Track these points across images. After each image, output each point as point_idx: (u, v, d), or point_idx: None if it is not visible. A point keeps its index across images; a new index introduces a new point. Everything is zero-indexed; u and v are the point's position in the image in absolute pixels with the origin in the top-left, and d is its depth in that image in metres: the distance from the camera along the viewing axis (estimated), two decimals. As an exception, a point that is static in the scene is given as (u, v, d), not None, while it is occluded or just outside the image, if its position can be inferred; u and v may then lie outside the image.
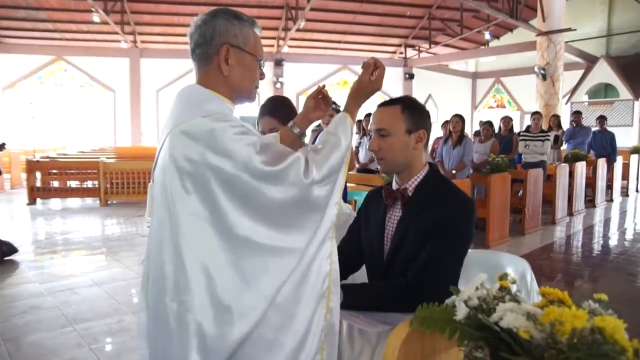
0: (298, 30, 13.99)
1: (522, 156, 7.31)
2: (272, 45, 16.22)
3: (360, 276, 1.85)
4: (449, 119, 6.56)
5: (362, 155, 6.90)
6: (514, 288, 1.75)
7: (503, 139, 7.26)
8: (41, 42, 15.38)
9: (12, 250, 5.26)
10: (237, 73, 1.39)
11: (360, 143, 6.98)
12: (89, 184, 9.97)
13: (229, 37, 1.36)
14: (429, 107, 18.31)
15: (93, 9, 11.69)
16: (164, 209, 1.28)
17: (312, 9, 13.48)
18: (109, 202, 9.12)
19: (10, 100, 15.39)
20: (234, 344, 1.26)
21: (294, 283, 1.31)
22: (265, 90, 16.30)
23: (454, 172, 6.10)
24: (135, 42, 15.45)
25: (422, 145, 1.64)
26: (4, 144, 5.58)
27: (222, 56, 1.36)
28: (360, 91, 1.49)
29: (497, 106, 19.81)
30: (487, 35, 15.49)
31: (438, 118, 16.42)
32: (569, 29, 12.00)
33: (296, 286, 1.31)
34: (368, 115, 6.78)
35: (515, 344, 0.86)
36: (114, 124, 16.17)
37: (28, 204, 8.92)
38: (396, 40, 16.82)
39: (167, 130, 1.32)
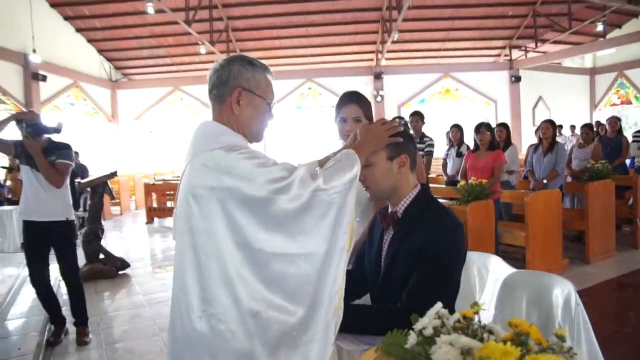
0: (395, 42, 13.94)
1: (635, 159, 6.54)
2: (372, 60, 16.34)
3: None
4: (564, 121, 6.06)
5: (450, 167, 6.57)
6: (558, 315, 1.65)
7: (610, 142, 6.58)
8: (161, 75, 16.97)
9: (125, 265, 5.86)
10: (247, 113, 1.54)
11: (447, 155, 6.65)
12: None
13: (242, 81, 1.53)
14: (539, 110, 17.24)
15: (200, 42, 12.62)
16: (187, 234, 1.42)
17: (408, 20, 13.37)
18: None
19: (137, 129, 17.11)
20: (264, 346, 1.37)
21: (313, 285, 1.42)
22: (365, 104, 16.42)
23: (545, 181, 5.61)
24: (241, 68, 16.41)
25: (407, 169, 1.68)
26: (115, 172, 6.18)
27: (234, 97, 1.52)
28: (373, 143, 1.62)
29: (622, 103, 17.97)
30: (599, 27, 14.17)
31: (551, 120, 15.33)
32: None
33: (315, 289, 1.42)
34: (455, 126, 6.47)
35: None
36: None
37: (146, 223, 9.85)
38: (500, 43, 16.06)
39: (187, 160, 1.48)
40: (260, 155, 1.44)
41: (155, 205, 10.33)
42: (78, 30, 14.38)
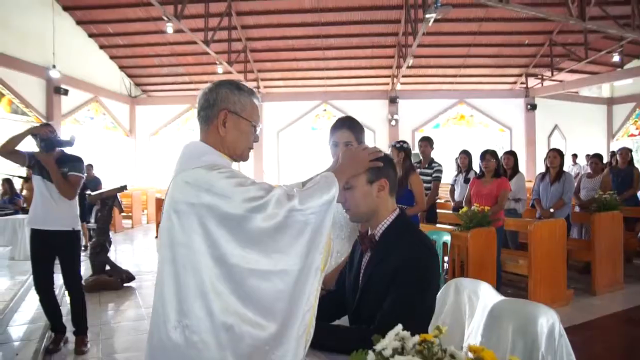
0: (411, 67, 14.07)
1: (646, 191, 6.47)
2: (387, 84, 16.47)
3: None
4: (580, 151, 6.02)
5: (458, 193, 6.52)
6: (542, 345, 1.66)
7: (620, 173, 6.50)
8: (179, 93, 17.30)
9: (130, 277, 5.93)
10: (232, 135, 1.60)
11: (455, 181, 6.63)
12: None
13: (229, 104, 1.59)
14: (555, 138, 17.15)
15: (217, 62, 12.89)
16: (167, 247, 1.48)
17: (424, 45, 13.51)
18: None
19: (153, 145, 17.40)
20: (238, 358, 1.41)
21: (286, 301, 1.45)
22: (380, 128, 16.52)
23: (551, 210, 5.54)
24: (258, 87, 16.67)
25: (386, 193, 1.72)
26: (125, 186, 6.29)
27: (221, 119, 1.58)
28: (353, 167, 1.67)
29: (640, 134, 17.79)
30: (615, 57, 14.13)
31: (566, 150, 15.22)
32: None
33: (288, 306, 1.46)
34: (463, 152, 6.45)
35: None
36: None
37: (156, 237, 9.95)
38: (516, 70, 16.10)
39: (172, 177, 1.55)
40: (240, 175, 1.50)
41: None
42: (101, 47, 14.80)
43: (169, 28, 10.00)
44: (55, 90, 12.51)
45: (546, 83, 16.33)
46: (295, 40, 14.40)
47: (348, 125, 2.35)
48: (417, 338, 1.15)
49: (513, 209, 5.71)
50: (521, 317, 2.16)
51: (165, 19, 9.64)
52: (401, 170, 4.36)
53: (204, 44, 11.46)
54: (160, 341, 1.45)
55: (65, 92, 12.82)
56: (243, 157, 1.68)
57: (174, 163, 1.61)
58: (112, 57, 15.41)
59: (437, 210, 5.97)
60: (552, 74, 15.43)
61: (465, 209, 4.60)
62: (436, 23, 12.07)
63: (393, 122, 16.49)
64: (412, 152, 4.68)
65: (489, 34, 13.88)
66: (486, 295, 2.57)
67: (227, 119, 1.58)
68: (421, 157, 5.81)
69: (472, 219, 4.40)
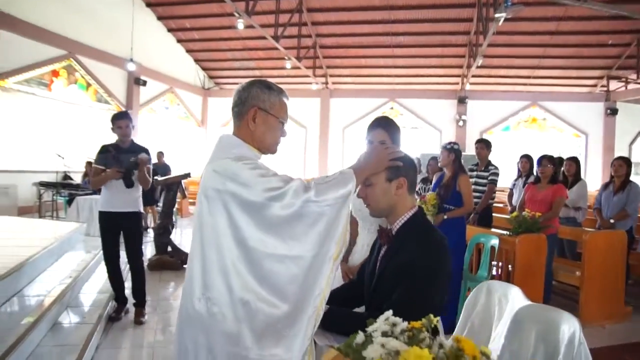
0: (482, 67, 13.70)
1: None
2: (457, 83, 16.15)
3: None
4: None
5: (516, 198, 6.28)
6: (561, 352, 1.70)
7: None
8: (250, 86, 17.84)
9: None
10: (261, 130, 1.75)
11: (514, 185, 6.41)
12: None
13: (259, 102, 1.74)
14: (638, 146, 15.96)
15: (286, 57, 13.20)
16: (198, 228, 1.66)
17: (497, 45, 13.13)
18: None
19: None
20: (251, 332, 1.57)
21: (299, 285, 1.60)
22: (447, 128, 16.25)
23: (612, 221, 5.26)
24: (326, 83, 16.89)
25: (404, 191, 1.80)
26: (189, 174, 6.63)
27: (250, 115, 1.73)
28: (373, 166, 1.77)
29: None
30: None
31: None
32: None
33: (301, 289, 1.60)
34: (524, 156, 6.23)
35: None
36: (304, 157, 17.74)
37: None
38: (596, 72, 15.21)
39: (206, 165, 1.71)
40: (263, 167, 1.64)
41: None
42: (179, 41, 15.59)
43: (240, 24, 10.38)
44: (135, 81, 13.38)
45: (630, 86, 15.31)
46: (364, 37, 14.45)
47: (383, 125, 2.44)
48: (405, 324, 1.24)
49: (572, 217, 5.51)
50: (544, 323, 2.18)
51: (237, 15, 10.03)
52: (450, 171, 4.36)
53: (273, 40, 11.80)
54: (187, 311, 1.64)
55: (144, 83, 13.67)
56: (271, 151, 1.81)
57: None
58: (188, 51, 16.20)
59: (493, 214, 5.87)
60: (639, 77, 14.44)
61: (515, 213, 4.52)
62: (510, 22, 11.72)
63: (461, 123, 16.15)
64: (465, 154, 4.64)
65: (567, 33, 13.22)
66: (515, 299, 2.59)
67: (256, 115, 1.73)
68: (478, 160, 5.73)
69: (521, 224, 4.32)
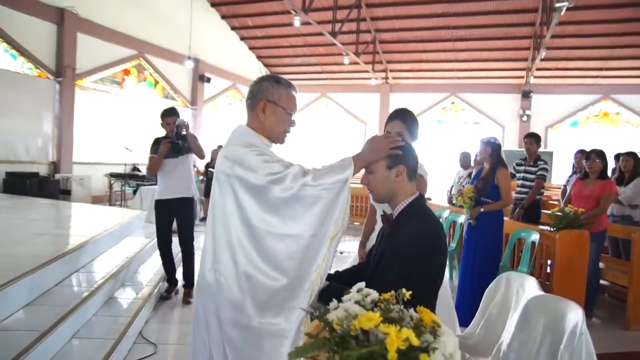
0: (548, 59, 13.17)
1: None
2: (521, 77, 15.60)
3: None
4: None
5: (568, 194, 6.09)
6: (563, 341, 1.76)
7: None
8: (310, 82, 18.17)
9: None
10: (270, 121, 1.92)
11: (568, 181, 6.18)
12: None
13: (268, 94, 1.91)
14: None
15: (344, 53, 13.33)
16: (211, 208, 1.87)
17: (563, 35, 12.59)
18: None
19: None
20: (253, 302, 1.75)
21: (298, 261, 1.76)
22: (510, 123, 15.79)
23: None
24: (386, 78, 16.86)
25: (404, 178, 1.86)
26: None
27: (260, 107, 1.91)
28: (373, 154, 1.85)
29: None
30: None
31: None
32: None
33: (300, 265, 1.76)
34: (580, 151, 5.97)
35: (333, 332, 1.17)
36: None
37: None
38: (678, 64, 14.16)
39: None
40: (269, 154, 1.83)
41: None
42: (242, 38, 16.14)
43: (297, 21, 10.64)
44: (200, 78, 14.02)
45: None
46: (424, 31, 14.30)
47: (401, 117, 2.55)
48: (376, 295, 1.36)
49: (628, 215, 5.28)
50: (551, 313, 2.23)
51: (293, 12, 10.29)
52: (489, 164, 4.34)
53: (330, 36, 11.96)
54: (200, 281, 1.86)
55: (208, 80, 14.30)
56: (279, 140, 1.99)
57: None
58: (250, 48, 16.72)
59: (543, 211, 5.72)
60: None
61: (557, 208, 4.42)
62: (578, 11, 11.22)
63: (525, 118, 15.61)
64: (502, 148, 4.56)
65: (642, 21, 12.41)
66: (530, 290, 2.62)
67: (266, 107, 1.90)
68: (527, 155, 5.61)
69: (562, 220, 4.22)
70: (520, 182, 5.57)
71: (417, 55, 15.74)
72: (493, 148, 4.30)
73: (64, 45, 9.71)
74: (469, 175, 6.62)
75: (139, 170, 10.49)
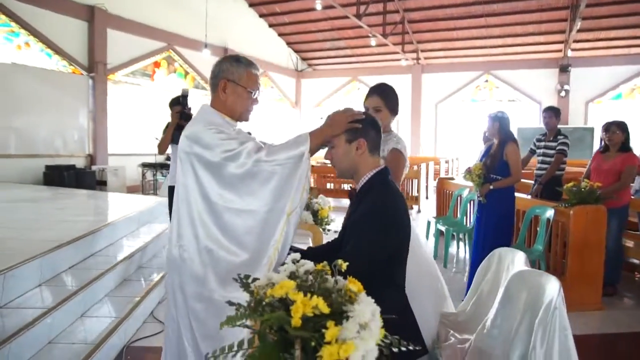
0: (587, 29, 12.59)
1: None
2: (558, 50, 14.98)
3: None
4: None
5: None
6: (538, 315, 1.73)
7: None
8: (341, 66, 18.09)
9: None
10: (231, 99, 1.96)
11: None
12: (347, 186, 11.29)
13: (228, 74, 1.95)
14: None
15: (370, 35, 13.17)
16: (176, 188, 1.94)
17: (604, 3, 11.99)
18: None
19: (317, 115, 18.59)
20: (215, 275, 1.81)
21: (255, 235, 1.81)
22: (547, 99, 15.22)
23: None
24: (418, 59, 16.55)
25: (364, 151, 1.86)
26: None
27: (221, 87, 1.95)
28: (331, 129, 1.86)
29: None
30: None
31: None
32: None
33: (257, 239, 1.81)
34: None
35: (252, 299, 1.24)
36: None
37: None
38: None
39: None
40: (227, 132, 1.87)
41: (314, 185, 11.28)
42: (270, 25, 16.20)
43: (318, 5, 10.60)
44: (229, 66, 14.18)
45: None
46: (454, 8, 13.93)
47: (378, 92, 2.53)
48: (310, 265, 1.38)
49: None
50: (531, 288, 2.19)
51: (314, -5, 10.26)
52: (497, 140, 4.23)
53: (355, 18, 11.84)
54: (169, 255, 1.94)
55: (238, 68, 14.44)
56: (242, 118, 2.02)
57: None
58: (280, 35, 16.77)
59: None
60: None
61: (571, 183, 4.26)
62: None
63: (563, 93, 15.00)
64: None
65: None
66: (519, 266, 2.58)
67: (226, 87, 1.95)
68: (546, 130, 5.42)
69: (576, 195, 4.08)
70: (540, 158, 5.41)
71: (448, 34, 15.36)
72: (501, 123, 4.18)
73: (95, 41, 10.05)
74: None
75: (169, 160, 10.79)
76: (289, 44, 17.40)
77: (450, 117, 17.03)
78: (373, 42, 13.77)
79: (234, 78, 1.95)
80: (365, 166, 1.90)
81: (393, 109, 2.55)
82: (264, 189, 1.80)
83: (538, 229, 4.47)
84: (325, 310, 1.12)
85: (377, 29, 13.18)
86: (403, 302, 1.91)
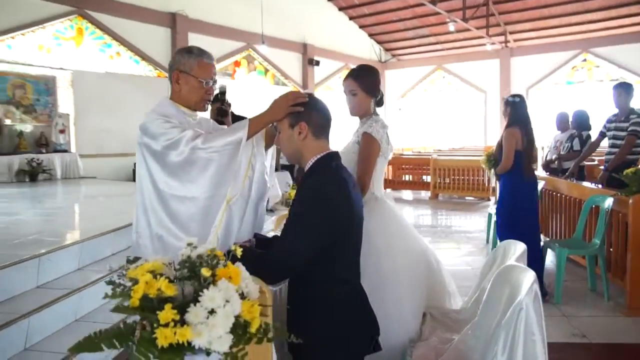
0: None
1: None
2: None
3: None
4: None
5: None
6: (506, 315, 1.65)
7: None
8: (425, 55, 17.59)
9: None
10: (185, 90, 2.04)
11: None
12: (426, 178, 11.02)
13: (180, 65, 2.03)
14: None
15: (448, 19, 12.63)
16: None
17: None
18: (438, 196, 9.91)
19: (401, 107, 18.30)
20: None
21: (198, 222, 1.90)
22: None
23: None
24: (506, 42, 15.61)
25: (307, 135, 1.80)
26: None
27: (175, 78, 2.04)
28: (271, 114, 1.88)
29: None
30: None
31: None
32: None
33: (200, 225, 1.90)
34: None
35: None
36: (484, 123, 16.82)
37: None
38: None
39: None
40: (174, 122, 1.95)
41: (390, 177, 11.16)
42: (351, 18, 16.17)
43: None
44: (309, 61, 14.44)
45: None
46: (545, -17, 12.94)
47: (353, 76, 2.48)
48: (202, 250, 1.37)
49: None
50: (512, 284, 2.04)
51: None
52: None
53: (430, 4, 11.46)
54: (131, 242, 2.09)
55: (317, 63, 14.66)
56: (198, 107, 2.09)
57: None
58: (361, 27, 16.68)
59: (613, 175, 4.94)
60: None
61: (633, 169, 3.81)
62: None
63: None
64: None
65: None
66: (514, 260, 2.42)
67: (179, 78, 2.03)
68: (617, 108, 4.88)
69: (637, 182, 3.64)
70: (610, 141, 4.90)
71: (539, 12, 14.26)
72: (512, 107, 3.95)
73: (177, 45, 10.70)
74: (570, 137, 6.02)
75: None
76: (371, 35, 17.24)
77: (544, 102, 15.84)
78: (452, 27, 13.18)
79: (185, 69, 2.01)
80: (309, 151, 1.83)
81: (370, 91, 2.46)
82: (203, 176, 1.88)
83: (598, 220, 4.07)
84: (170, 292, 1.15)
85: (457, 14, 12.61)
86: (349, 298, 1.83)
